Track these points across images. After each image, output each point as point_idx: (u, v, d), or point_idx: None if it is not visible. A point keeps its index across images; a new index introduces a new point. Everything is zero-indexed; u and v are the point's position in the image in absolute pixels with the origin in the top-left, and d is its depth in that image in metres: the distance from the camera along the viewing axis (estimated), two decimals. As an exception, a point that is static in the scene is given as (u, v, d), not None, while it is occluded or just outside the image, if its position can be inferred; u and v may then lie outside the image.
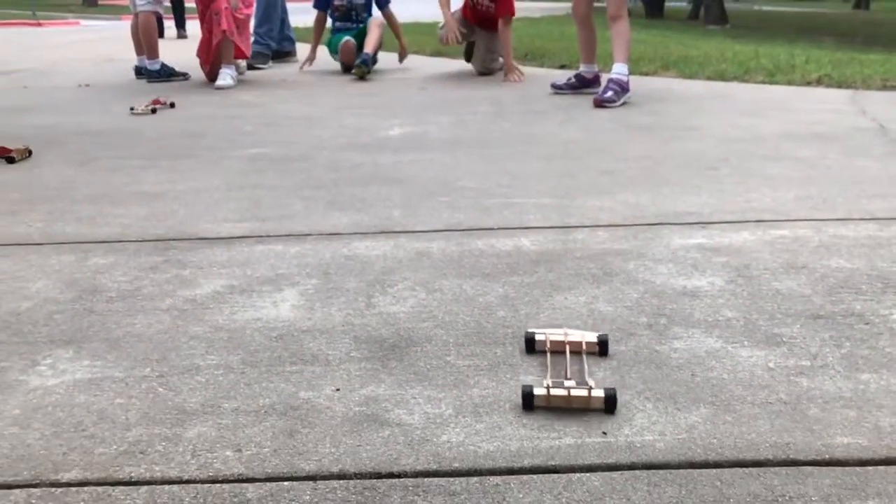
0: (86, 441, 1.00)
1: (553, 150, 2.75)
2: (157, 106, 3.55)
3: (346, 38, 5.03)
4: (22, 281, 1.55)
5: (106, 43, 8.57)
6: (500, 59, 4.84)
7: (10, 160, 2.58)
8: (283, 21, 5.81)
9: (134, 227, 1.89)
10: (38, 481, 0.92)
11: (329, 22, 5.26)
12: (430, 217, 1.95)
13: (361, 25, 5.12)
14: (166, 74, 4.71)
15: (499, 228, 1.85)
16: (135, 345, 1.27)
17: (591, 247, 1.71)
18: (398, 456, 0.97)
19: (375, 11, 5.14)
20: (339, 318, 1.37)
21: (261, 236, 1.82)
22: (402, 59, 5.31)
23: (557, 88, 4.09)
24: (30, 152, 2.70)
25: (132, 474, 0.93)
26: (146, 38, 4.65)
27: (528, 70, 5.34)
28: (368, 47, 4.87)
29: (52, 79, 5.07)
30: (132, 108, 3.48)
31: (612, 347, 1.24)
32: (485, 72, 4.90)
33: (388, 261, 1.65)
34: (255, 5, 4.91)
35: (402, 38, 5.23)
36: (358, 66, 4.74)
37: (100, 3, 29.00)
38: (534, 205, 2.05)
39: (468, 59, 5.11)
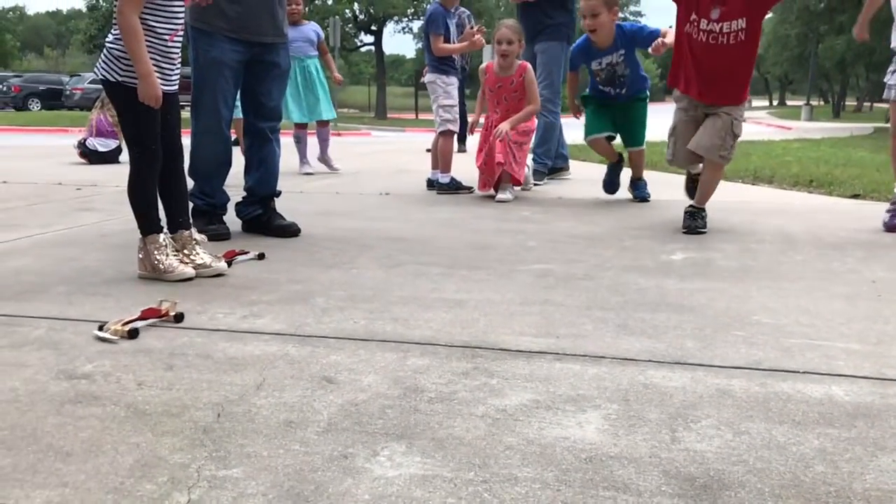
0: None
1: (856, 289, 2.58)
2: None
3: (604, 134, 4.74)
4: (356, 374, 1.77)
5: (397, 154, 9.60)
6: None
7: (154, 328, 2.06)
8: (559, 141, 6.12)
9: (442, 333, 2.08)
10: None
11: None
12: (726, 351, 1.92)
13: (623, 91, 4.58)
14: (454, 187, 5.16)
15: (804, 372, 1.77)
16: (457, 447, 1.40)
17: (917, 405, 1.58)
18: None
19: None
20: (645, 448, 1.40)
21: (557, 353, 1.92)
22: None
23: None
24: (178, 317, 2.15)
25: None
26: (443, 155, 5.17)
27: (815, 199, 5.09)
28: (637, 169, 4.84)
29: (357, 186, 5.77)
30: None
31: (957, 526, 1.13)
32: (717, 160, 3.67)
33: (687, 394, 1.65)
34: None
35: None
36: (641, 199, 4.79)
37: (388, 116, 32.48)
38: (841, 350, 1.93)
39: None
